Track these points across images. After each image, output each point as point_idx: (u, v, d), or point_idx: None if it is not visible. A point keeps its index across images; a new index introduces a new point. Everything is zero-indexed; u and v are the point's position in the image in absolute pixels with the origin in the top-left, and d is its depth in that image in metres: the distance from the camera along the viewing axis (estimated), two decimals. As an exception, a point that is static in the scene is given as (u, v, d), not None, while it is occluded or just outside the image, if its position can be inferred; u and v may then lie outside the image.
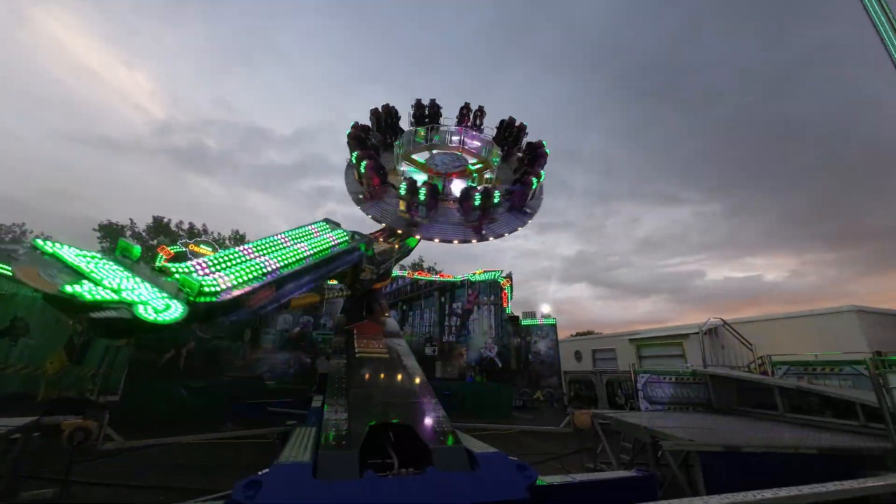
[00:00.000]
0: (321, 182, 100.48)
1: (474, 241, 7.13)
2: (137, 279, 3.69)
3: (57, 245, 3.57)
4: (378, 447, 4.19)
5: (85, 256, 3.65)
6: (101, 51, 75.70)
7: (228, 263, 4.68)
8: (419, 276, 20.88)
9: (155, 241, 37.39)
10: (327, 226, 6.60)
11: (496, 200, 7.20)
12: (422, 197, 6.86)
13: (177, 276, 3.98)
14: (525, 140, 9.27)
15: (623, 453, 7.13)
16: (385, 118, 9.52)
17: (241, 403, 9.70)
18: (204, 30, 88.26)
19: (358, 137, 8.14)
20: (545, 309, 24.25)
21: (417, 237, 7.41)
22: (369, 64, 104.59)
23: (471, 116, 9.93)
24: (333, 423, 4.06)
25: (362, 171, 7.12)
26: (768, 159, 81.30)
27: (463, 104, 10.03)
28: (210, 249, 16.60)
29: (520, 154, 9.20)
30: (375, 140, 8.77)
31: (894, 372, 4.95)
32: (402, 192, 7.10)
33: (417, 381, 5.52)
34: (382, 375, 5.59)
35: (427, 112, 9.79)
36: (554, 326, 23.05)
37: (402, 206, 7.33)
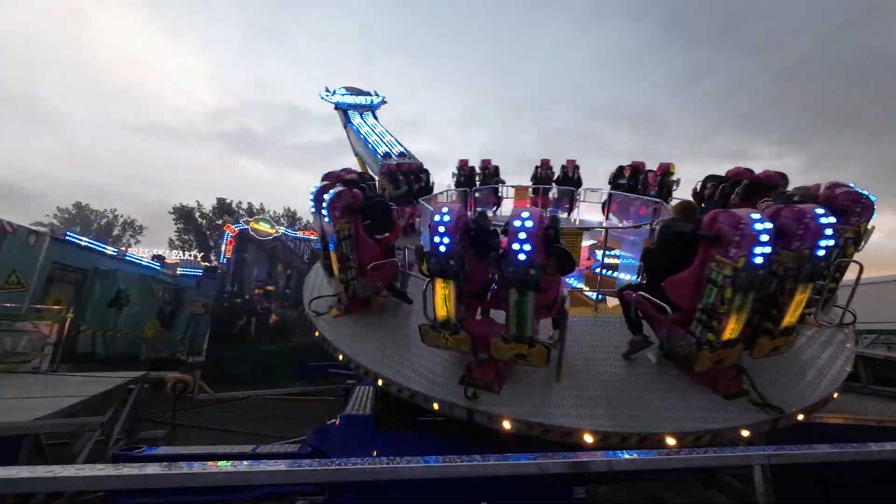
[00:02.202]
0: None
1: None
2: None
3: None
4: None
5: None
6: (151, 44, 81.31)
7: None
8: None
9: (220, 221, 40.68)
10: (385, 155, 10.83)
11: None
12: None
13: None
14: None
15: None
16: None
17: (307, 365, 10.72)
18: (236, 10, 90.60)
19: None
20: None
21: None
22: (395, 30, 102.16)
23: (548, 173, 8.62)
24: None
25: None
26: (850, 103, 68.79)
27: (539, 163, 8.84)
28: (268, 226, 17.90)
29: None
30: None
31: None
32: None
33: None
34: None
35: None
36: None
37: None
